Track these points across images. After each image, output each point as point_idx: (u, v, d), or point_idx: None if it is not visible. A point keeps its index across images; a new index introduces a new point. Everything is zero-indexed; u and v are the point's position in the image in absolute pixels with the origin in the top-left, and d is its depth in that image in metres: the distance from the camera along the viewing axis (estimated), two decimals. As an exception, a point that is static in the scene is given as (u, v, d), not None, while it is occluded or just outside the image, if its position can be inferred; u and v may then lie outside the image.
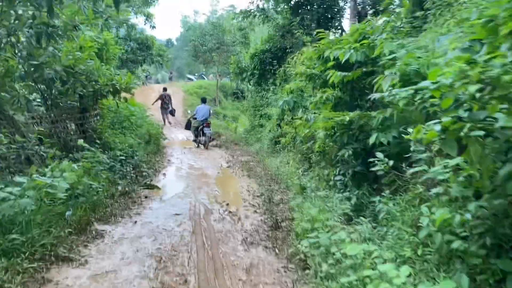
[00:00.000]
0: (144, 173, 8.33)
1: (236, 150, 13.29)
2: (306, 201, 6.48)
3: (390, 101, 4.64)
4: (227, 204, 6.71)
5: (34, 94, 7.43)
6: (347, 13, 17.01)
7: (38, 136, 5.74)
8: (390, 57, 4.58)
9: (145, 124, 11.93)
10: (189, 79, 36.93)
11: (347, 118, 4.93)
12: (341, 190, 6.10)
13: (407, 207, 4.28)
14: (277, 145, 11.83)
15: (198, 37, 25.20)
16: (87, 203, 4.89)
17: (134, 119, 11.07)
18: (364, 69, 5.31)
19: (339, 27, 15.91)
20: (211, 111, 13.53)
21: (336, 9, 15.99)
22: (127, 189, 6.87)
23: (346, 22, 17.33)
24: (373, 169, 4.25)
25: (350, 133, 5.82)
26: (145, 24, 18.16)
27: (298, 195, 6.96)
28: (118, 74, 8.19)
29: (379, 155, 4.17)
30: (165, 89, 17.80)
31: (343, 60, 5.13)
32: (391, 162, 4.11)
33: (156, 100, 17.41)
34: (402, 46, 4.67)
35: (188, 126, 14.42)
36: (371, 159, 4.34)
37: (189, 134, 17.74)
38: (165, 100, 17.15)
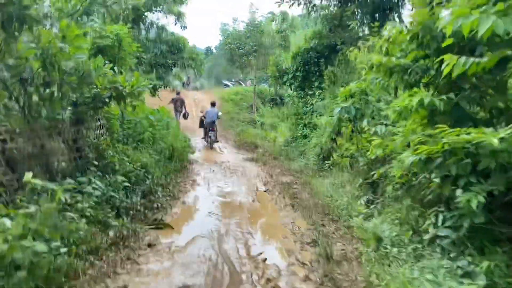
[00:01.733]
0: (156, 204, 6.37)
1: (275, 166, 11.10)
2: (387, 262, 4.18)
3: None
4: (265, 261, 4.54)
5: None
6: (407, 3, 14.44)
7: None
8: None
9: (170, 136, 10.06)
10: (226, 85, 35.32)
11: (495, 141, 2.59)
12: (450, 254, 3.75)
13: None
14: (326, 162, 9.54)
15: (235, 39, 23.42)
16: (30, 279, 2.93)
17: (154, 131, 9.22)
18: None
19: (399, 21, 13.33)
20: (218, 114, 14.62)
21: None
22: (125, 232, 4.90)
23: (407, 14, 14.71)
24: None
25: (465, 163, 3.49)
26: (175, 24, 16.55)
27: (371, 248, 4.66)
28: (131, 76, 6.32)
29: None
30: (178, 93, 17.40)
31: (479, 35, 2.81)
32: None
33: (170, 102, 17.08)
34: None
35: (202, 125, 15.19)
36: None
37: (223, 145, 15.98)
38: (177, 103, 16.92)
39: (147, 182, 6.90)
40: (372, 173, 5.57)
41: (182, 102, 16.96)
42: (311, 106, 12.37)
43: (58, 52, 4.85)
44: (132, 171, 6.72)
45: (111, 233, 4.66)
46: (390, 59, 4.01)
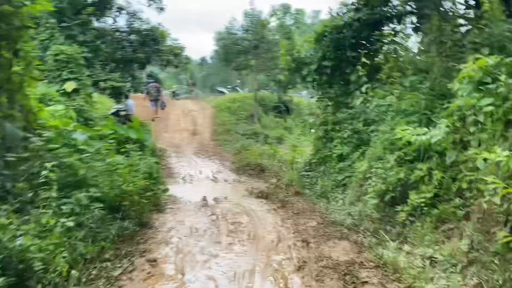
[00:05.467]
0: None
1: (303, 212, 6.66)
2: None
3: None
4: None
5: None
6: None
7: None
8: None
9: (119, 169, 5.55)
10: (220, 92, 30.99)
11: None
12: None
13: None
14: (398, 210, 5.13)
15: (230, 34, 19.22)
16: None
17: (77, 164, 4.77)
18: None
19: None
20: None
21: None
22: None
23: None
24: None
25: None
26: (149, 6, 12.23)
27: None
28: None
29: None
30: (155, 81, 16.84)
31: None
32: None
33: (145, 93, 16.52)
34: None
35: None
36: None
37: (218, 168, 11.60)
38: (151, 92, 15.87)
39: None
40: None
41: (157, 90, 15.40)
42: (352, 111, 7.99)
43: None
44: None
45: None
46: None
